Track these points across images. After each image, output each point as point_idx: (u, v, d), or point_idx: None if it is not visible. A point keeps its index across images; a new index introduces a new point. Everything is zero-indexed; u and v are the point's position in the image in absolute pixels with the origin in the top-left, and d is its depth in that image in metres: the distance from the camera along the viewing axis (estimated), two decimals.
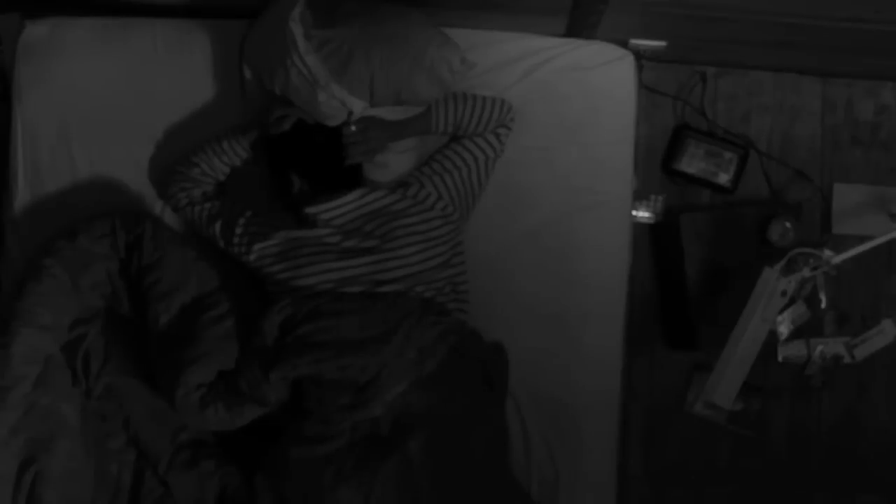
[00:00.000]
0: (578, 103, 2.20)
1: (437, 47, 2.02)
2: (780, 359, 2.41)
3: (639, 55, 2.30)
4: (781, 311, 2.10)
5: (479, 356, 1.98)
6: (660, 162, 2.48)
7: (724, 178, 2.44)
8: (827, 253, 2.02)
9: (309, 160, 2.02)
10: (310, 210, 1.98)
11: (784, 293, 2.02)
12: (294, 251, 1.98)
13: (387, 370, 1.85)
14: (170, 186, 2.11)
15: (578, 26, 2.18)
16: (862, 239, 2.05)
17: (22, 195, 2.16)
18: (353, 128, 2.02)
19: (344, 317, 1.89)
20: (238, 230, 2.02)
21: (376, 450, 1.82)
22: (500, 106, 2.11)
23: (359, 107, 2.00)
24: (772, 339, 2.10)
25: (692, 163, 2.44)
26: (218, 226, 2.05)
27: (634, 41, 2.29)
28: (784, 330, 2.32)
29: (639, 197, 2.37)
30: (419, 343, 1.88)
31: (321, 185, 2.01)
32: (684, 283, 2.35)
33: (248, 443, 1.96)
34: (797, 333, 2.37)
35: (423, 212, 2.01)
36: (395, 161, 2.12)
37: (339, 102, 1.97)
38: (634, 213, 2.34)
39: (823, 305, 2.08)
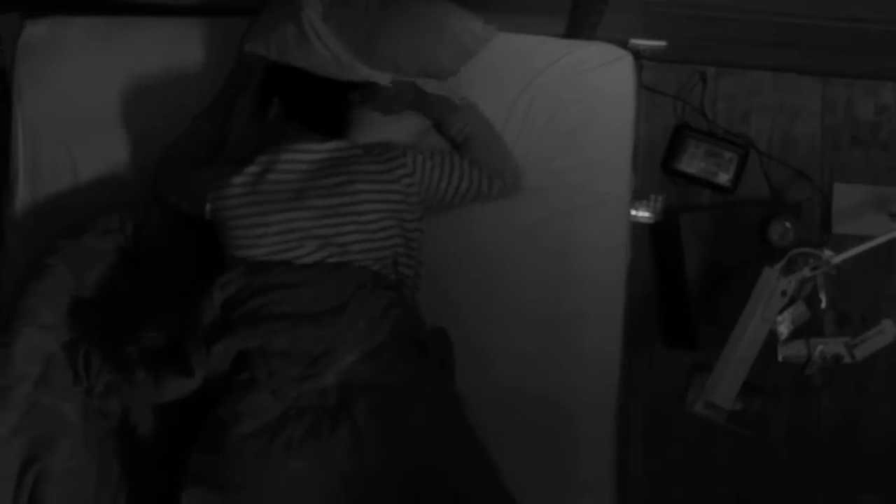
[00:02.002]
0: (577, 104, 2.20)
1: (458, 18, 2.03)
2: (780, 359, 2.41)
3: (639, 55, 2.30)
4: (781, 311, 2.10)
5: (415, 335, 1.96)
6: (660, 162, 2.48)
7: (724, 178, 2.44)
8: (827, 253, 2.02)
9: (303, 96, 2.01)
10: (283, 146, 1.96)
11: (784, 293, 2.02)
12: (258, 195, 1.93)
13: (340, 340, 1.85)
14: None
15: (578, 26, 2.18)
16: (862, 239, 2.05)
17: (22, 195, 2.17)
18: (391, 83, 2.03)
19: (299, 288, 1.87)
20: (198, 187, 2.00)
21: (327, 419, 1.82)
22: (513, 159, 2.13)
23: (385, 80, 2.03)
24: (772, 339, 2.10)
25: (692, 163, 2.45)
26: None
27: (634, 41, 2.29)
28: (784, 330, 2.33)
29: (639, 197, 2.37)
30: (369, 314, 1.88)
31: (305, 120, 1.99)
32: (684, 283, 2.35)
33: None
34: (797, 333, 2.38)
35: (387, 182, 1.97)
36: (395, 130, 2.12)
37: (366, 81, 2.01)
38: (634, 212, 2.35)
39: (823, 305, 2.08)
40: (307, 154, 1.96)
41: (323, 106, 2.02)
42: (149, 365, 1.85)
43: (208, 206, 1.96)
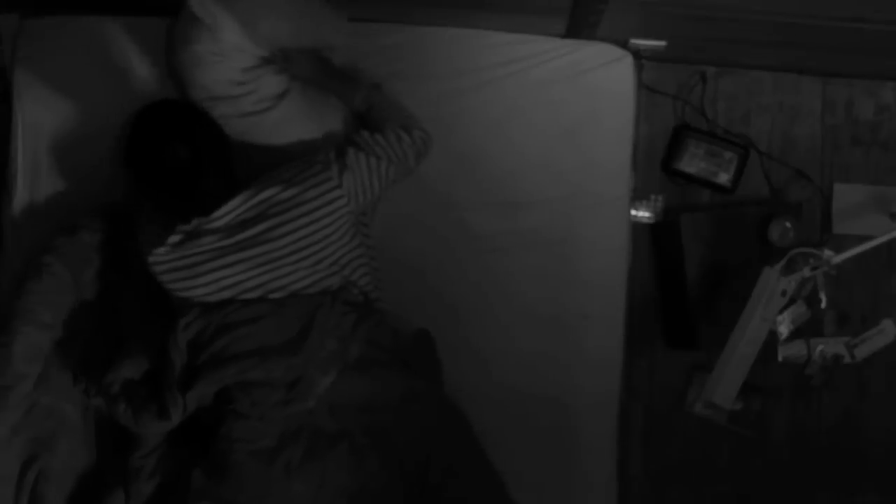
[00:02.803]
0: (577, 104, 2.21)
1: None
2: (780, 359, 2.40)
3: (639, 55, 2.30)
4: (781, 311, 2.10)
5: (395, 344, 1.95)
6: (660, 162, 2.48)
7: (724, 178, 2.44)
8: (827, 253, 2.02)
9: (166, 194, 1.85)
10: (194, 224, 1.86)
11: (784, 293, 2.02)
12: (183, 259, 1.88)
13: (312, 365, 1.84)
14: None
15: (578, 26, 2.18)
16: (862, 239, 2.05)
17: (22, 195, 2.16)
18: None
19: (259, 322, 1.85)
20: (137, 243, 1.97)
21: (323, 440, 1.83)
22: (411, 116, 2.09)
23: (257, 49, 1.99)
24: (772, 339, 2.10)
25: (692, 162, 2.44)
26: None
27: (634, 41, 2.29)
28: (784, 330, 2.32)
29: (639, 197, 2.37)
30: (337, 332, 1.87)
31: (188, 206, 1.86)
32: (684, 283, 2.35)
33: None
34: (797, 333, 2.37)
35: (314, 210, 1.89)
36: (287, 126, 2.04)
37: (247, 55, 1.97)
38: (634, 213, 2.35)
39: (823, 305, 2.08)
40: (223, 215, 1.87)
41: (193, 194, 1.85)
42: (129, 400, 1.85)
43: (152, 266, 1.92)
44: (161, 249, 1.88)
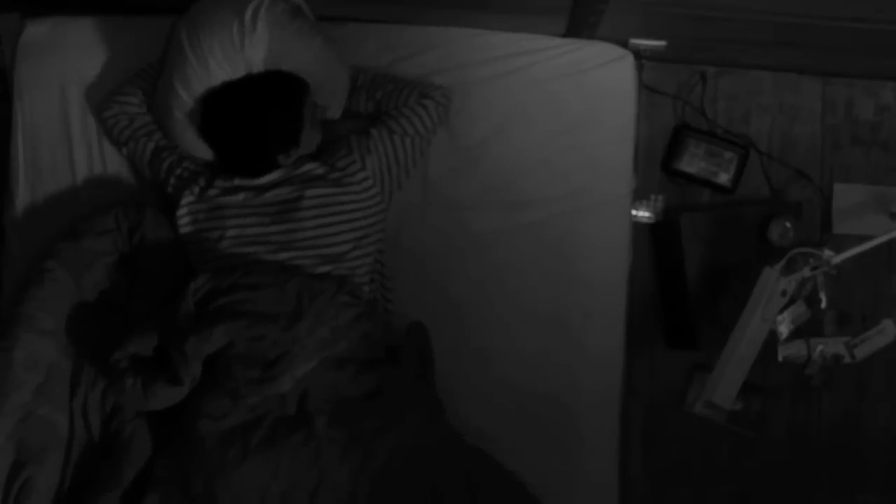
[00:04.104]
0: (578, 103, 2.21)
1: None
2: (780, 359, 2.40)
3: (639, 55, 2.31)
4: (781, 311, 2.10)
5: (389, 343, 1.98)
6: (660, 162, 2.48)
7: (724, 178, 2.44)
8: (827, 253, 2.02)
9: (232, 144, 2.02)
10: (238, 183, 2.01)
11: (784, 293, 2.02)
12: (215, 201, 2.00)
13: (298, 346, 1.85)
14: (108, 110, 2.14)
15: (578, 26, 2.19)
16: (862, 239, 2.05)
17: (22, 195, 2.17)
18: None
19: (258, 290, 1.88)
20: (172, 179, 2.08)
21: (283, 427, 1.83)
22: (419, 85, 2.12)
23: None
24: (772, 339, 2.10)
25: (692, 162, 2.44)
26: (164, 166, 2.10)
27: (634, 41, 2.29)
28: (784, 330, 2.32)
29: (639, 197, 2.37)
30: (333, 322, 1.88)
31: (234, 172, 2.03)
32: (684, 283, 2.35)
33: None
34: (797, 333, 2.37)
35: (346, 185, 2.01)
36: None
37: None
38: (634, 212, 2.35)
39: (823, 305, 2.09)
40: (265, 178, 2.01)
41: (247, 158, 2.02)
42: (137, 372, 1.85)
43: (182, 211, 2.03)
44: (193, 198, 2.01)
